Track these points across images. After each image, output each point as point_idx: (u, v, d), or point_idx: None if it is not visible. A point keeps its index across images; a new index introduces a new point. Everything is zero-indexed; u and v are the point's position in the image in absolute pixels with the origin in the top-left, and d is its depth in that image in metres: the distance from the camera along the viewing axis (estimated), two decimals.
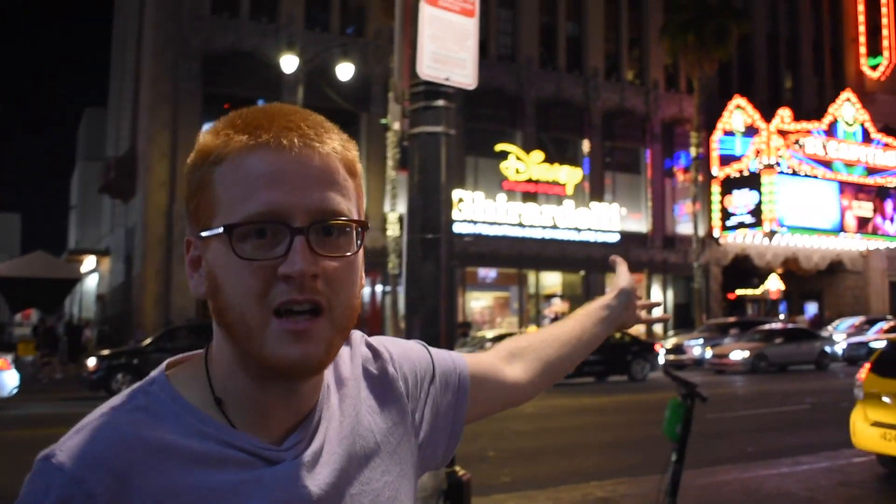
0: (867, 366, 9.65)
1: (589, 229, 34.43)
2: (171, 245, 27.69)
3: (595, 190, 35.60)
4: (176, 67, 27.94)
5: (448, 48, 3.98)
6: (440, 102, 4.28)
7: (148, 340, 20.93)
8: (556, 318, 34.59)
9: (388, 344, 1.27)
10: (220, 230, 0.98)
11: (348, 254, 1.02)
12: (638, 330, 34.99)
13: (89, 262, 44.69)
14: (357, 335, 1.24)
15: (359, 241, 1.04)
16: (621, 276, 1.80)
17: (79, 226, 56.67)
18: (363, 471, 1.11)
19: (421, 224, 4.47)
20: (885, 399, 9.06)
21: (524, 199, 33.47)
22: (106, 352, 21.52)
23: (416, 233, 4.48)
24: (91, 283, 46.75)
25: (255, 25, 29.14)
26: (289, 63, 23.98)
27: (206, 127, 1.07)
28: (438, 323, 4.50)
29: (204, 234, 1.01)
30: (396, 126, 4.72)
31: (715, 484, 9.05)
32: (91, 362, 20.03)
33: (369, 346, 1.25)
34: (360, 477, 1.10)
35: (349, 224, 1.02)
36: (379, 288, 31.17)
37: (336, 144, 1.04)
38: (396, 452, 1.18)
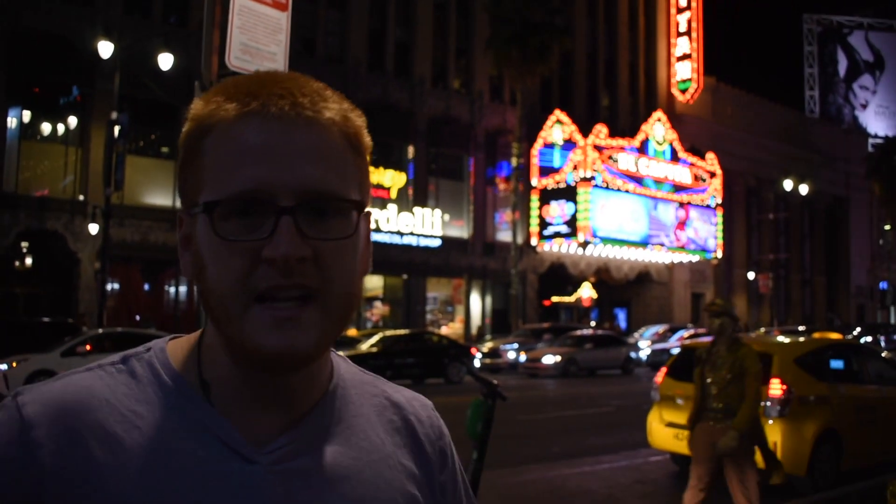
0: (663, 370, 10.21)
1: (412, 234, 34.73)
2: None
3: (419, 195, 35.95)
4: None
5: (258, 40, 3.90)
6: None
7: None
8: (377, 322, 34.78)
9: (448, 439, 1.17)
10: (200, 209, 0.91)
11: (342, 236, 0.93)
12: (456, 333, 35.64)
13: None
14: (429, 405, 1.18)
15: (356, 223, 0.95)
16: None
17: None
18: None
19: None
20: (679, 401, 9.60)
21: None
22: None
23: None
24: None
25: (69, 7, 27.53)
26: (105, 49, 22.92)
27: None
28: None
29: (193, 209, 0.93)
30: None
31: (521, 483, 9.31)
32: None
33: (435, 422, 1.16)
34: None
35: (344, 204, 0.93)
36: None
37: (335, 115, 0.94)
38: None
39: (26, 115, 27.76)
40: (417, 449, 1.09)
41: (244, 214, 0.89)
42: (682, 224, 43.20)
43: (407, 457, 1.07)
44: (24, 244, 27.33)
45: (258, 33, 4.03)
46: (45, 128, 28.46)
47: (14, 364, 17.43)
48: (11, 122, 27.19)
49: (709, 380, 6.21)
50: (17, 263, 27.74)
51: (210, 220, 0.89)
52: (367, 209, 0.98)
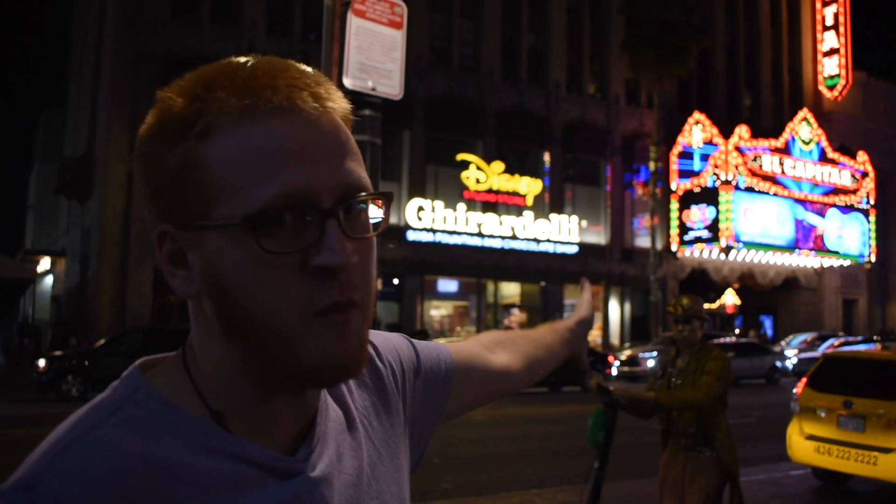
0: (804, 380, 9.85)
1: (548, 240, 34.62)
2: (128, 247, 27.46)
3: (555, 201, 35.81)
4: (135, 70, 27.70)
5: (375, 59, 4.04)
6: (366, 112, 4.34)
7: (101, 342, 20.74)
8: (509, 328, 34.89)
9: (371, 336, 1.08)
10: (235, 222, 0.80)
11: (373, 233, 0.88)
12: (594, 341, 35.28)
13: (45, 262, 44.14)
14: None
15: (381, 216, 0.90)
16: (584, 305, 1.66)
17: (36, 226, 55.94)
18: (372, 482, 0.99)
19: None
20: (820, 413, 9.25)
21: (484, 209, 33.58)
22: (58, 353, 21.29)
23: None
24: (47, 284, 46.17)
25: (216, 29, 28.98)
26: None
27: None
28: None
29: (204, 223, 0.82)
30: None
31: (646, 494, 9.15)
32: (41, 363, 19.81)
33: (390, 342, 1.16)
34: (371, 490, 0.98)
35: (375, 198, 0.88)
36: None
37: (344, 103, 0.88)
38: (397, 456, 1.06)
39: None
40: (381, 388, 1.08)
41: (278, 222, 0.80)
42: (831, 227, 41.37)
43: (370, 410, 1.05)
44: None
45: (374, 52, 4.16)
46: None
47: None
48: None
49: None
50: None
51: (252, 234, 0.79)
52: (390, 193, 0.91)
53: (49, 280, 45.80)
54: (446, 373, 1.21)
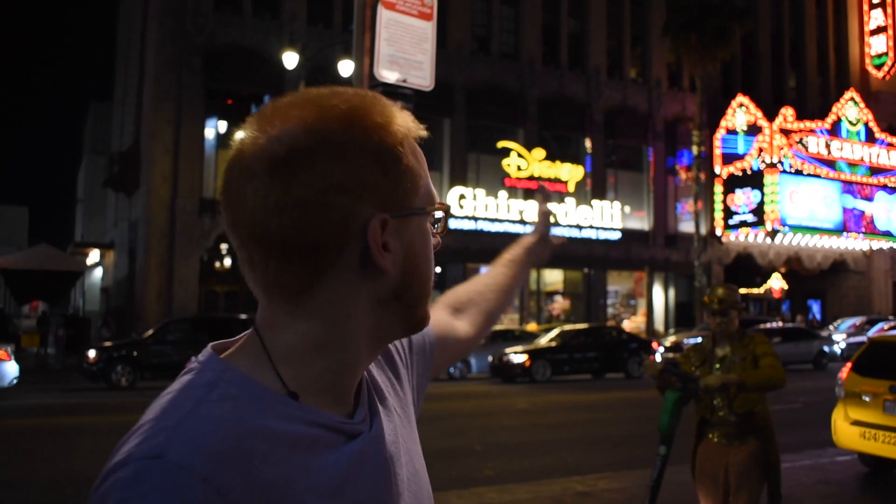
0: (848, 365, 9.73)
1: (591, 227, 34.47)
2: (174, 239, 27.84)
3: (597, 188, 35.62)
4: (179, 63, 28.04)
5: (405, 51, 4.07)
6: (398, 103, 4.36)
7: (149, 333, 21.09)
8: (558, 316, 34.77)
9: None
10: (426, 211, 1.05)
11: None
12: (638, 327, 35.08)
13: (94, 255, 44.86)
14: None
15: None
16: (540, 221, 1.89)
17: (85, 219, 56.81)
18: (402, 442, 1.13)
19: None
20: (865, 398, 9.14)
21: (525, 196, 33.51)
22: (107, 343, 21.69)
23: None
24: (96, 276, 46.93)
25: (258, 22, 29.22)
26: (290, 59, 24.06)
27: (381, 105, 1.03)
28: None
29: (413, 211, 1.03)
30: None
31: (689, 482, 9.11)
32: (91, 353, 20.19)
33: None
34: (403, 447, 1.12)
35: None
36: None
37: None
38: (411, 420, 1.22)
39: (222, 126, 29.65)
40: (392, 364, 1.24)
41: (436, 214, 1.08)
42: (879, 209, 40.62)
43: (388, 383, 1.20)
44: (224, 245, 29.17)
45: (405, 44, 4.20)
46: (240, 136, 30.26)
47: None
48: (209, 132, 29.15)
49: None
50: (217, 264, 29.64)
51: (440, 220, 1.10)
52: None
53: (98, 272, 46.53)
54: (430, 345, 1.39)
